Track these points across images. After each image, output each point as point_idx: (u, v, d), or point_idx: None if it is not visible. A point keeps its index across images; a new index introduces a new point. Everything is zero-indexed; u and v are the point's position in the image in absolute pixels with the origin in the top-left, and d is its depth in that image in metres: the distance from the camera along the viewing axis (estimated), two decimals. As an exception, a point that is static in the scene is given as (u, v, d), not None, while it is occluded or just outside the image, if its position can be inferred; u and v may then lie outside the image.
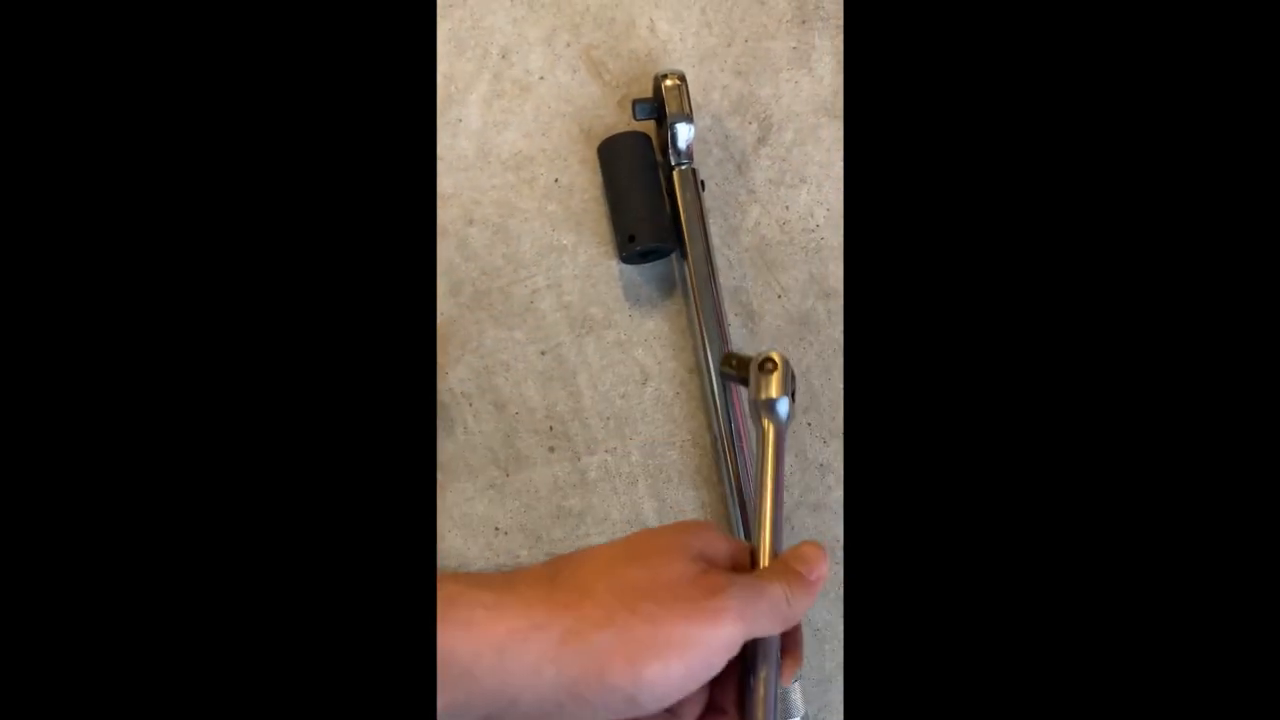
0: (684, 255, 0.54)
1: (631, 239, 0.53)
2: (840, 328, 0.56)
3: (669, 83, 0.54)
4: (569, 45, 0.61)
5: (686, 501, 0.54)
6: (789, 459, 0.54)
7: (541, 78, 0.60)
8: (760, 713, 0.30)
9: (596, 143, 0.57)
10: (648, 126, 0.58)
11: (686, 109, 0.53)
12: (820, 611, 0.53)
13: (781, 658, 0.32)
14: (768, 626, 0.29)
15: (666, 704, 0.27)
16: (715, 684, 0.31)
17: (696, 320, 0.53)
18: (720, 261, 0.57)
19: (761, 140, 0.59)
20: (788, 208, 0.58)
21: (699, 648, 0.27)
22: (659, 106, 0.55)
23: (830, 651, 0.52)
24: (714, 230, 0.57)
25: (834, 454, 0.54)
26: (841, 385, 0.55)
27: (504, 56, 0.61)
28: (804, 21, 0.60)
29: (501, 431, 0.56)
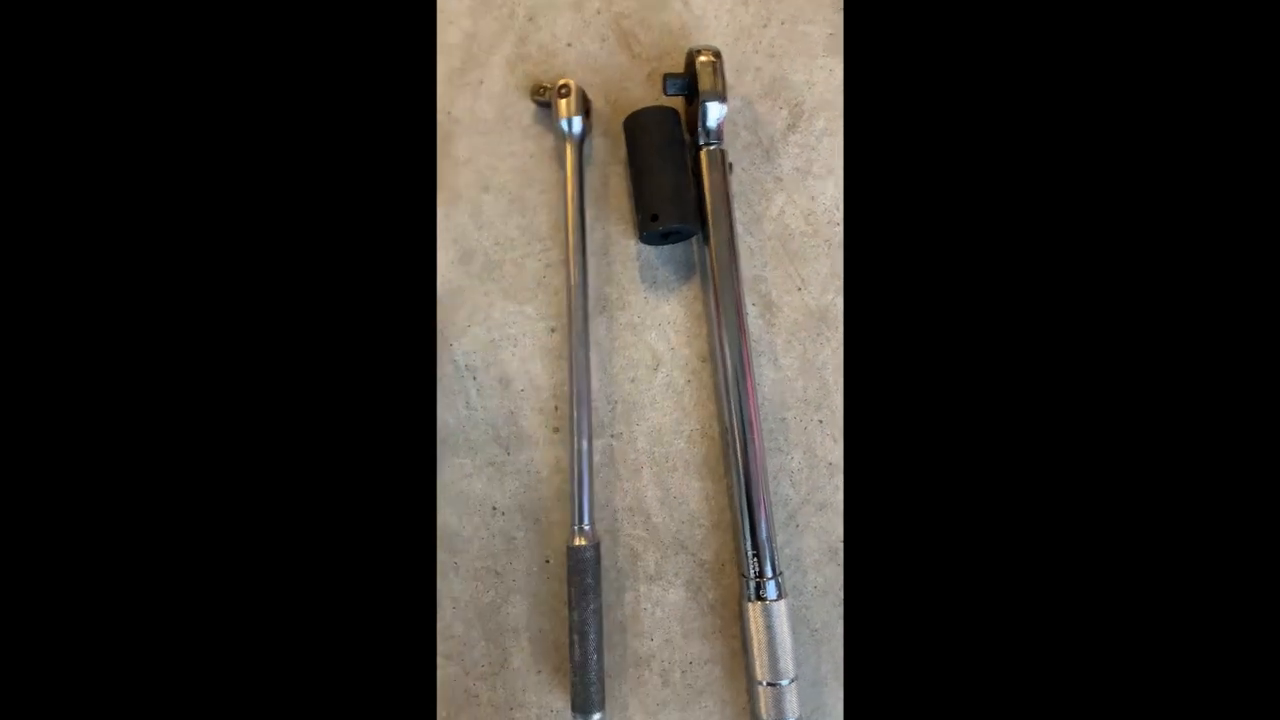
0: (706, 239, 0.52)
1: (654, 218, 0.51)
2: (859, 325, 0.55)
3: (703, 58, 0.52)
4: (599, 13, 0.58)
5: (691, 493, 0.53)
6: (797, 456, 0.53)
7: (568, 44, 0.58)
8: None
9: (621, 115, 0.55)
10: (675, 103, 0.56)
11: (720, 87, 0.51)
12: (818, 613, 0.52)
13: None
14: None
15: None
16: None
17: (714, 307, 0.52)
18: (740, 248, 0.55)
19: (791, 127, 0.57)
20: (814, 198, 0.56)
21: None
22: (691, 82, 0.53)
23: (827, 653, 0.51)
24: (737, 216, 0.55)
25: (843, 453, 0.53)
26: (856, 384, 0.54)
27: (531, 19, 0.58)
28: (842, 8, 0.58)
29: (505, 408, 0.54)
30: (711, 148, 0.53)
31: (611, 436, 0.54)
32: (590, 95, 0.57)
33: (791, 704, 0.48)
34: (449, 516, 0.54)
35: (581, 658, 0.49)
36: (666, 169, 0.52)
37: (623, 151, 0.56)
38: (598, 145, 0.57)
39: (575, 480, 0.51)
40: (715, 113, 0.52)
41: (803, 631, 0.51)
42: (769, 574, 0.49)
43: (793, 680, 0.48)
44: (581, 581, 0.49)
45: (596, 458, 0.53)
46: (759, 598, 0.48)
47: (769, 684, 0.47)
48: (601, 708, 0.49)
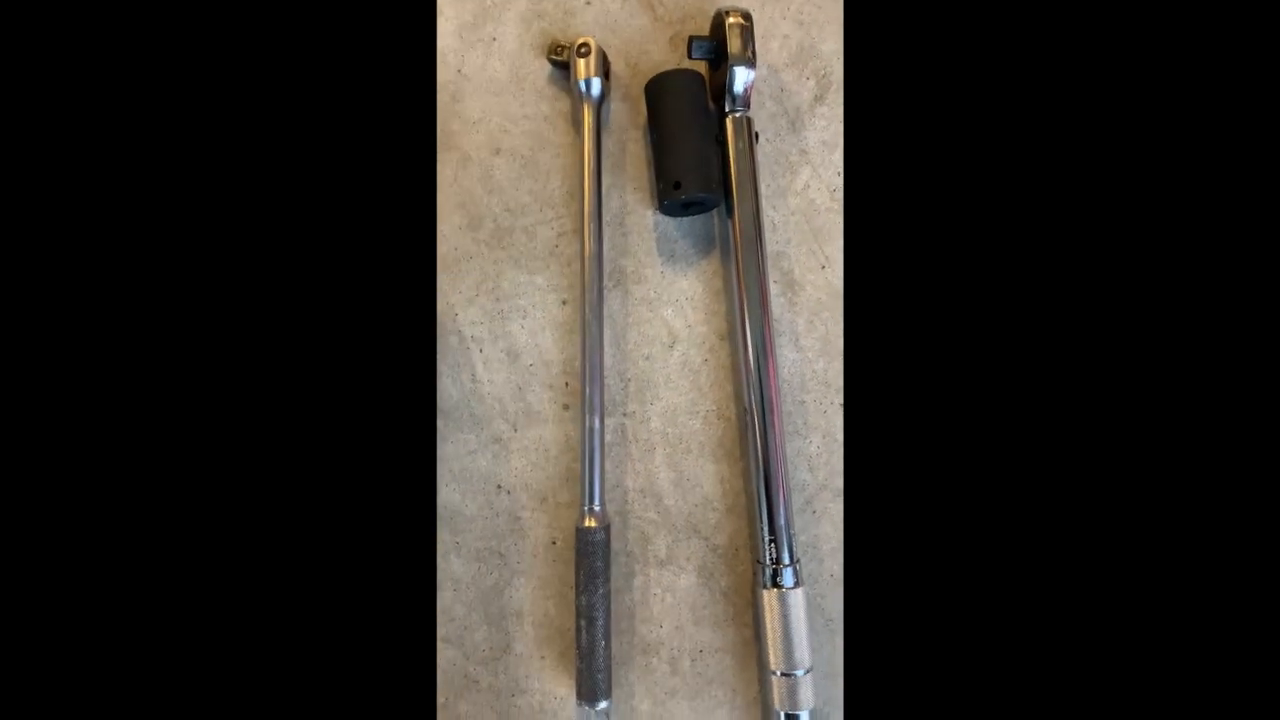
0: (729, 212, 0.50)
1: (677, 185, 0.48)
2: (883, 307, 0.53)
3: (733, 20, 0.49)
4: (621, -30, 0.55)
5: (705, 475, 0.51)
6: (815, 439, 0.51)
7: (588, 2, 0.55)
8: None
9: (641, 79, 0.52)
10: (699, 68, 0.53)
11: (750, 51, 0.49)
12: (834, 602, 0.50)
13: None
14: None
15: None
16: None
17: (736, 283, 0.49)
18: (764, 222, 0.53)
19: (819, 98, 0.55)
20: (840, 174, 0.54)
21: None
22: (718, 46, 0.50)
23: (841, 645, 0.49)
24: (761, 189, 0.53)
25: (844, 438, 0.51)
26: (878, 368, 0.52)
27: (548, -27, 0.55)
28: (875, -25, 0.56)
29: (513, 383, 0.52)
30: (738, 115, 0.50)
31: (624, 415, 0.51)
32: (609, 57, 0.54)
33: (806, 695, 0.46)
34: (451, 495, 0.51)
35: (588, 644, 0.47)
36: (691, 136, 0.49)
37: (642, 117, 0.53)
38: (616, 110, 0.54)
39: (585, 459, 0.49)
40: (743, 78, 0.49)
41: (817, 621, 0.49)
42: (786, 561, 0.47)
43: (808, 671, 0.46)
44: (590, 564, 0.47)
45: (608, 437, 0.51)
46: (775, 585, 0.46)
47: (783, 674, 0.46)
48: (608, 695, 0.47)
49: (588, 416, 0.49)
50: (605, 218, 0.53)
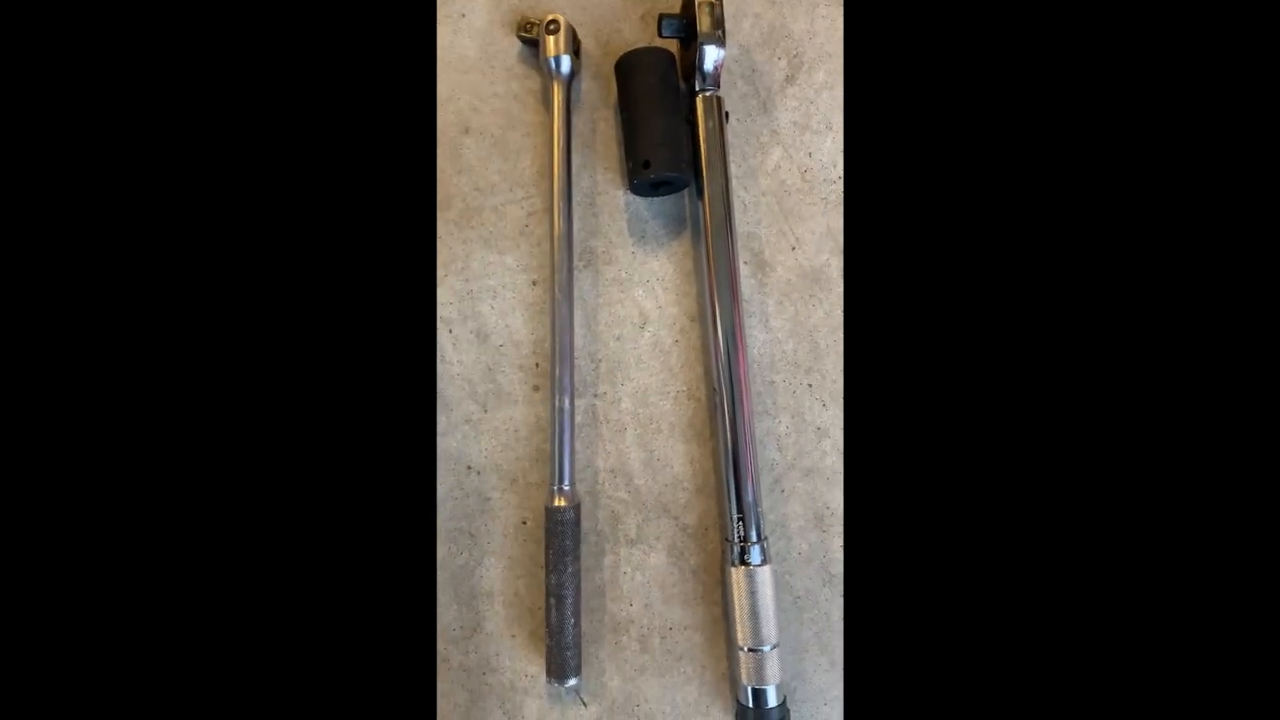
0: (699, 192, 0.50)
1: (647, 165, 0.48)
2: (852, 288, 0.53)
3: (703, -2, 0.49)
4: (591, -54, 0.55)
5: (675, 455, 0.51)
6: (784, 419, 0.52)
7: (558, -21, 0.54)
8: None
9: (612, 58, 0.52)
10: (670, 46, 0.52)
11: (720, 29, 0.48)
12: (801, 580, 0.51)
13: None
14: None
15: None
16: None
17: (706, 264, 0.49)
18: (734, 203, 0.53)
19: (790, 79, 0.55)
20: (810, 154, 0.54)
21: None
22: (688, 24, 0.50)
23: (809, 620, 0.50)
24: (731, 169, 0.53)
25: (833, 419, 0.52)
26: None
27: (518, -51, 0.54)
28: (848, -46, 0.56)
29: (483, 364, 0.51)
30: (708, 94, 0.50)
31: (594, 396, 0.51)
32: (580, 36, 0.53)
33: (773, 670, 0.47)
34: (421, 475, 0.51)
35: (558, 622, 0.47)
36: (661, 114, 0.49)
37: (613, 96, 0.53)
38: (587, 88, 0.54)
39: (555, 440, 0.49)
40: (713, 56, 0.49)
41: (785, 598, 0.50)
42: (754, 539, 0.47)
43: (774, 646, 0.47)
44: (560, 544, 0.47)
45: (578, 417, 0.51)
46: (743, 562, 0.47)
47: (750, 650, 0.46)
48: (578, 673, 0.48)
49: (558, 397, 0.49)
50: (576, 197, 0.52)
